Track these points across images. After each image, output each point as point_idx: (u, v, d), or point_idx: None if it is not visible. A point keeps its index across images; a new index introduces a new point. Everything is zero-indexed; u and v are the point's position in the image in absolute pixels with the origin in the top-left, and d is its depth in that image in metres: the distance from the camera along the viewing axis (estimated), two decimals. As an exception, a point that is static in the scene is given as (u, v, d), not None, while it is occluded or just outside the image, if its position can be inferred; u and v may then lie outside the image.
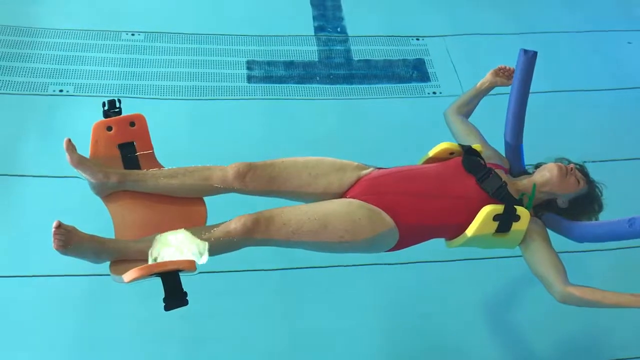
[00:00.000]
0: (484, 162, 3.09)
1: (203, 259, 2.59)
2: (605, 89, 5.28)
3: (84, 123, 4.17)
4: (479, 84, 3.51)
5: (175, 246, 2.59)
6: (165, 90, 4.81)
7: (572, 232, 3.06)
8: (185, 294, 2.56)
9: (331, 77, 5.15)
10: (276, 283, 3.88)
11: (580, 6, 6.09)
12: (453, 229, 2.99)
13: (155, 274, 2.52)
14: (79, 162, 2.77)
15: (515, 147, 3.27)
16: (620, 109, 5.18)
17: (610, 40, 5.78)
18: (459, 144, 3.19)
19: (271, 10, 5.62)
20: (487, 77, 3.49)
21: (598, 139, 4.77)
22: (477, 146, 3.17)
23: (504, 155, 3.34)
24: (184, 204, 2.90)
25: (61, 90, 4.76)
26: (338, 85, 5.12)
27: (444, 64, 5.37)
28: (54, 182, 4.15)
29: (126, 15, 5.38)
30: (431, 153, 3.21)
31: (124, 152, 2.92)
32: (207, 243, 2.60)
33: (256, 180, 2.92)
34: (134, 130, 2.93)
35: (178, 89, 4.86)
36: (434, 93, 5.13)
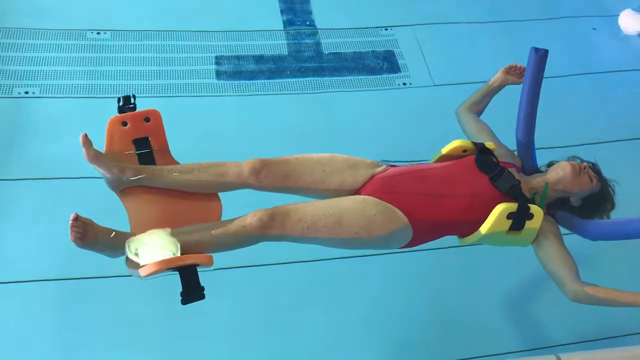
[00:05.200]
0: (497, 160, 3.11)
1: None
2: (570, 75, 5.35)
3: (51, 125, 4.16)
4: (490, 82, 3.51)
5: (151, 245, 2.57)
6: (133, 89, 4.70)
7: (585, 230, 3.09)
8: (203, 288, 2.56)
9: (302, 70, 5.13)
10: (254, 280, 3.87)
11: (545, -7, 6.18)
12: (466, 227, 3.01)
13: (172, 268, 2.51)
14: (95, 157, 2.74)
15: (527, 145, 3.30)
16: (586, 94, 5.26)
17: (575, 26, 5.86)
18: (472, 142, 3.20)
19: (239, 4, 5.57)
20: (498, 75, 3.50)
21: (563, 124, 4.80)
22: (489, 144, 3.19)
23: (516, 153, 3.37)
24: (199, 199, 2.89)
25: (27, 92, 4.64)
26: (309, 79, 5.10)
27: (413, 54, 5.38)
28: (22, 184, 4.10)
29: (91, 13, 5.28)
30: (444, 150, 3.21)
31: (139, 147, 2.90)
32: (179, 243, 2.57)
33: (271, 176, 2.91)
34: (149, 126, 2.92)
35: (146, 87, 4.80)
36: (404, 84, 5.14)
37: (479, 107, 3.51)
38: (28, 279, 3.70)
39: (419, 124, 4.80)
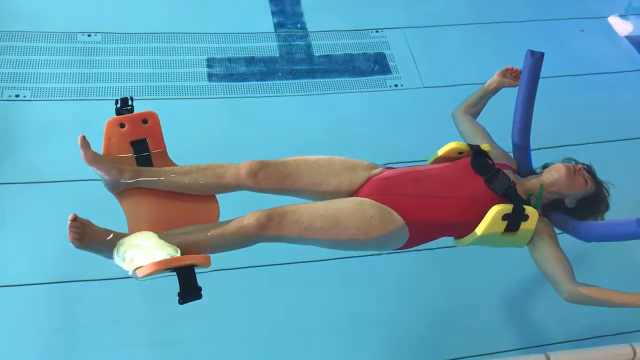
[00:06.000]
0: (492, 162, 3.13)
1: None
2: (559, 76, 5.36)
3: (43, 128, 4.17)
4: (486, 85, 3.53)
5: (143, 248, 2.58)
6: (124, 91, 4.68)
7: (579, 231, 3.11)
8: (200, 288, 2.59)
9: (293, 72, 5.14)
10: (244, 282, 3.86)
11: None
12: (462, 228, 3.03)
13: (170, 269, 2.53)
14: (93, 159, 2.74)
15: (522, 147, 3.32)
16: (575, 95, 5.29)
17: (564, 28, 5.92)
18: (467, 144, 3.22)
19: (230, 7, 5.59)
20: (495, 77, 3.51)
21: (552, 125, 4.83)
22: (485, 146, 3.21)
23: (511, 155, 3.39)
24: (196, 200, 2.90)
25: (17, 96, 4.62)
26: (300, 81, 5.12)
27: (404, 56, 5.43)
28: (14, 188, 4.10)
29: (83, 16, 5.29)
30: (440, 152, 3.22)
31: (136, 149, 2.90)
32: (177, 248, 2.59)
33: (268, 178, 2.92)
34: (146, 128, 2.92)
35: (137, 89, 4.79)
36: (396, 86, 5.18)
37: (475, 109, 3.53)
38: (23, 282, 3.70)
39: (409, 125, 4.83)
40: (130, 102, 2.94)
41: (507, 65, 3.51)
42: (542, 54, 3.18)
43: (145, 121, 2.92)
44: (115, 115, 2.91)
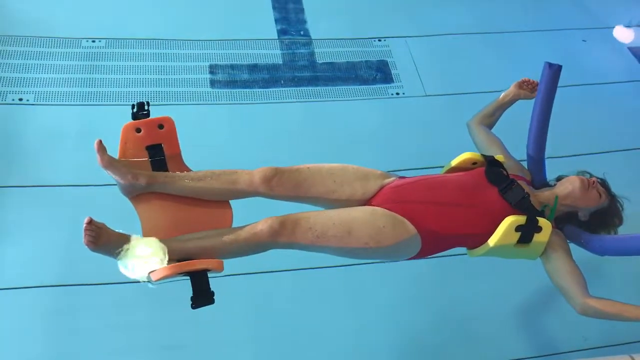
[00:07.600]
0: (507, 172, 3.12)
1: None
2: (561, 86, 5.37)
3: (45, 132, 4.17)
4: (502, 96, 3.53)
5: (141, 253, 2.57)
6: (127, 97, 4.73)
7: (592, 244, 3.09)
8: (213, 293, 2.59)
9: (295, 79, 5.15)
10: (246, 288, 3.87)
11: (537, 5, 6.28)
12: (475, 239, 3.02)
13: (183, 273, 2.55)
14: (109, 163, 2.75)
15: (537, 159, 3.32)
16: (575, 105, 5.23)
17: (566, 38, 5.94)
18: (481, 154, 3.21)
19: (233, 13, 5.62)
20: (511, 89, 3.52)
21: (556, 135, 4.83)
22: (499, 157, 3.19)
23: (525, 166, 3.38)
24: (210, 206, 2.90)
25: (21, 99, 4.63)
26: (302, 88, 5.14)
27: (406, 65, 5.45)
28: (18, 192, 4.09)
29: (87, 21, 5.30)
30: (454, 163, 3.22)
31: (152, 154, 2.90)
32: (166, 254, 2.57)
33: (282, 185, 2.92)
34: (162, 133, 2.92)
35: (140, 95, 4.79)
36: (397, 94, 5.20)
37: (490, 120, 3.53)
38: (24, 285, 3.70)
39: (411, 133, 4.84)
40: (146, 107, 2.95)
41: (524, 77, 3.52)
42: (560, 66, 3.19)
43: (161, 126, 2.92)
44: (131, 120, 2.91)
